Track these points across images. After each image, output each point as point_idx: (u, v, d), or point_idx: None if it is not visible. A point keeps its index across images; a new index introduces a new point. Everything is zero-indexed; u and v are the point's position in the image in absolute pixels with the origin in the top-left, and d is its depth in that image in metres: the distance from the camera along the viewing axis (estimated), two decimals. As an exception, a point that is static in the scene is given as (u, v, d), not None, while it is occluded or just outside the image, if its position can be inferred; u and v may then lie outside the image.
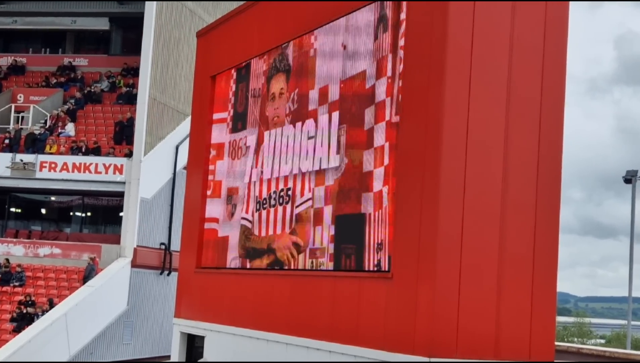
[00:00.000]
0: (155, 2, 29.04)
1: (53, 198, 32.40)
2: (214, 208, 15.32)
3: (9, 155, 29.40)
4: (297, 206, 12.61)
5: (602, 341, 65.94)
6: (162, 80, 29.72)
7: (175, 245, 26.80)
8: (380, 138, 10.77)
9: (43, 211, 33.36)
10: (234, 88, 15.22)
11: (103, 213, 32.24)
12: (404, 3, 10.54)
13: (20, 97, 33.26)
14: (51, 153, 29.59)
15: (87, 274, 26.76)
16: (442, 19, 9.77)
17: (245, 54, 14.85)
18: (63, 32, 36.68)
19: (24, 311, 25.23)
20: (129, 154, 28.67)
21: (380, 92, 10.88)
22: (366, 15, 11.44)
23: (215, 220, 15.24)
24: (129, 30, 34.87)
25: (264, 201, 13.62)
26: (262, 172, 13.87)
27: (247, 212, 14.16)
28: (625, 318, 44.72)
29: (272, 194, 13.40)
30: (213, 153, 15.68)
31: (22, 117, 32.07)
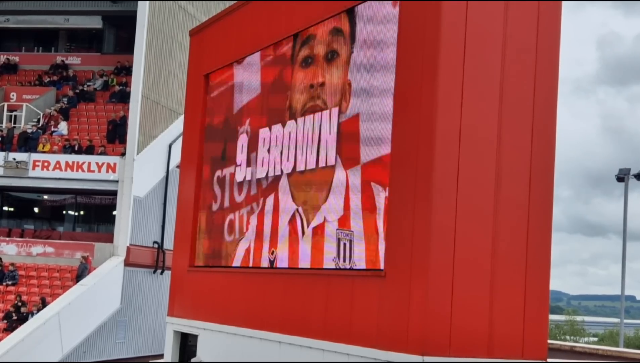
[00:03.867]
0: (147, 1, 29.00)
1: (46, 197, 32.36)
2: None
3: (1, 154, 29.34)
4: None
5: (595, 339, 66.10)
6: (155, 79, 29.68)
7: (169, 244, 26.77)
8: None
9: (36, 209, 33.31)
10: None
11: (96, 212, 32.20)
12: (398, 3, 10.54)
13: (13, 95, 33.19)
14: (44, 152, 29.54)
15: (80, 273, 26.72)
16: (434, 19, 9.78)
17: (238, 52, 14.84)
18: (56, 31, 36.62)
19: (17, 310, 25.17)
20: (122, 153, 28.66)
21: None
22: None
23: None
24: (121, 28, 34.83)
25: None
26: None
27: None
28: (618, 316, 44.80)
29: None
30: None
31: (15, 116, 32.01)
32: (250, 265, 13.72)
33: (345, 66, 11.62)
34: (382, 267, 10.25)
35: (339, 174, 11.41)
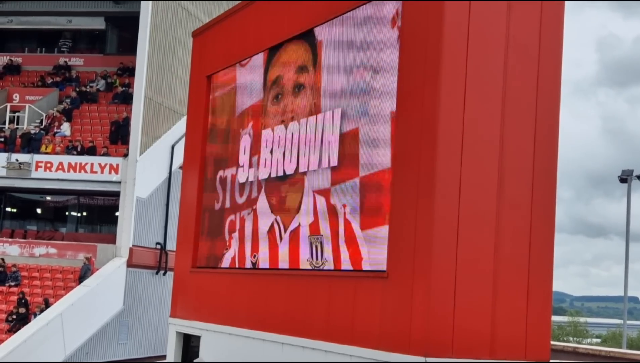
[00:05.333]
0: (150, 2, 29.01)
1: (49, 198, 32.37)
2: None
3: (4, 155, 29.35)
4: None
5: (598, 340, 66.06)
6: (157, 80, 29.69)
7: (171, 245, 26.77)
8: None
9: (39, 210, 33.33)
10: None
11: (99, 213, 32.21)
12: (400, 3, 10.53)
13: (15, 96, 33.24)
14: (47, 153, 29.55)
15: (83, 274, 26.73)
16: (437, 19, 9.77)
17: (241, 53, 14.84)
18: (59, 32, 36.65)
19: (19, 311, 25.19)
20: (125, 154, 28.69)
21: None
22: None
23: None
24: (124, 29, 34.84)
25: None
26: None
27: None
28: (620, 318, 44.78)
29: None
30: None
31: (18, 117, 32.04)
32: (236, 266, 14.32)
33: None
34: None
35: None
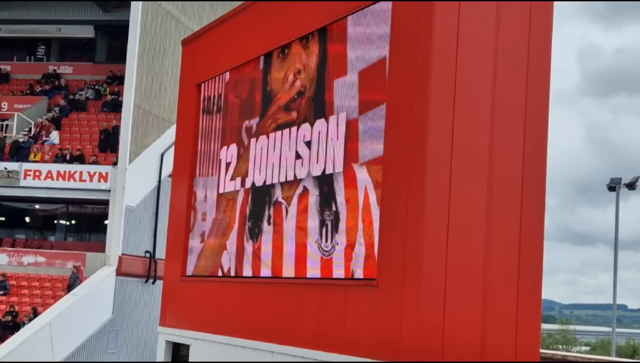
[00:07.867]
0: (140, 11, 28.99)
1: (37, 206, 32.27)
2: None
3: (-7, 163, 29.27)
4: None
5: (587, 348, 66.17)
6: (147, 88, 29.66)
7: (161, 253, 26.71)
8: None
9: (27, 219, 33.22)
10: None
11: (88, 221, 32.12)
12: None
13: (4, 105, 33.15)
14: (35, 161, 29.48)
15: (72, 282, 26.63)
16: (427, 20, 9.76)
17: (230, 62, 14.85)
18: (48, 40, 36.59)
19: (7, 320, 25.07)
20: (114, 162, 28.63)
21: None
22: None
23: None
24: (114, 38, 34.82)
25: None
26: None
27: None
28: (609, 325, 44.87)
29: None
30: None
31: (7, 125, 31.94)
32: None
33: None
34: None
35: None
